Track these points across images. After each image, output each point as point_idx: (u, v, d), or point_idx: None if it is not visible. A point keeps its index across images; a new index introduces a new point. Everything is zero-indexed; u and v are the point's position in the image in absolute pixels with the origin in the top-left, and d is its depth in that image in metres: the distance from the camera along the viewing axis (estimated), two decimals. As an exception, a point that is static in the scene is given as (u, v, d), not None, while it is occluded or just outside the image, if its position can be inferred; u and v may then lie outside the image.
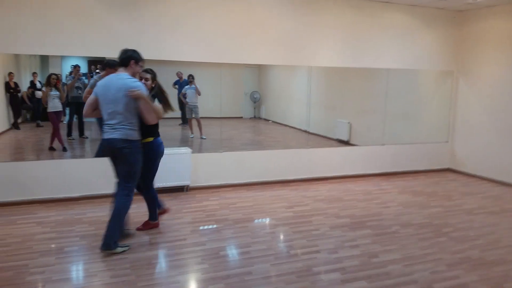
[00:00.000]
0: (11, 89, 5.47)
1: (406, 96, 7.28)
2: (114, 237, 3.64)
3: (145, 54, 5.28)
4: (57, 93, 5.56)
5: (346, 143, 7.08)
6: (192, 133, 6.59)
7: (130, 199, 3.71)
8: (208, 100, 6.38)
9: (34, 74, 5.70)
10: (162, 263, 3.53)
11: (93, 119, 6.13)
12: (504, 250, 3.96)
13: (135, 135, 3.64)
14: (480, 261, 3.69)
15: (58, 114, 5.64)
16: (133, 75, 3.70)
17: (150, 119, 3.65)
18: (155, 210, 4.26)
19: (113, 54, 5.26)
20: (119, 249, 3.67)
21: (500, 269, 3.55)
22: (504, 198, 5.75)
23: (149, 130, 3.88)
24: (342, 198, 5.55)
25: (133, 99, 3.54)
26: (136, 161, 3.67)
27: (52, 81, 5.51)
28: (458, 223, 4.69)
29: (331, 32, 6.27)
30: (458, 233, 4.37)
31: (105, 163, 5.30)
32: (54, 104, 5.57)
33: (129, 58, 3.66)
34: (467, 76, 7.05)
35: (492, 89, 6.63)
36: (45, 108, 5.62)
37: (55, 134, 5.62)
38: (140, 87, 3.58)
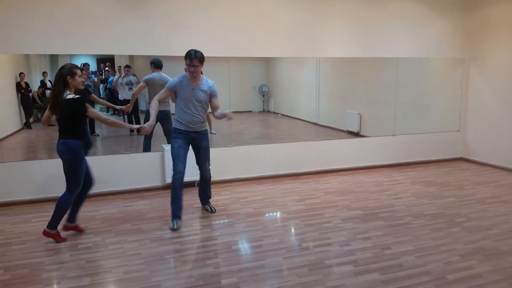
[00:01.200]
0: (22, 89, 5.54)
1: (416, 85, 7.20)
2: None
3: (153, 51, 5.37)
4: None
5: (356, 134, 7.04)
6: (201, 128, 6.60)
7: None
8: (217, 94, 6.38)
9: (44, 73, 5.75)
10: (175, 258, 3.57)
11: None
12: (518, 239, 3.92)
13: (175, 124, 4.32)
14: (493, 251, 3.66)
15: None
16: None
17: None
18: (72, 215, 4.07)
19: (122, 51, 5.32)
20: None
21: (515, 258, 3.52)
22: (518, 187, 5.68)
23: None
24: (353, 190, 5.53)
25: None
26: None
27: None
28: (471, 213, 4.65)
29: (340, 23, 6.21)
30: (471, 223, 4.33)
31: (117, 160, 5.37)
32: None
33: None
34: (479, 63, 6.94)
35: (504, 76, 6.52)
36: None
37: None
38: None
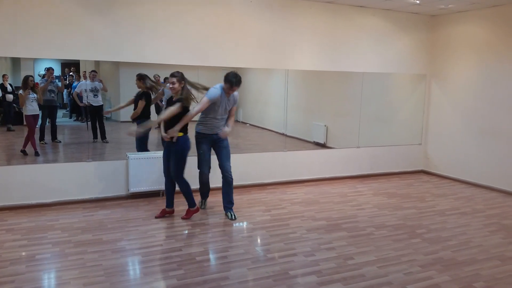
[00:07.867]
0: (-20, 93, 5.32)
1: (380, 99, 7.41)
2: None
3: (124, 57, 5.28)
4: (35, 95, 5.40)
5: (322, 145, 7.15)
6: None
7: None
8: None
9: (4, 76, 5.54)
10: (137, 270, 3.48)
11: (71, 123, 6.05)
12: (474, 250, 4.07)
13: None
14: (452, 262, 3.78)
15: (35, 118, 5.49)
16: None
17: None
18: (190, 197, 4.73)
19: (90, 56, 5.20)
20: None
21: (471, 268, 3.65)
22: (475, 199, 5.91)
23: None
24: (318, 201, 5.60)
25: None
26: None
27: (30, 83, 5.34)
28: (431, 224, 4.80)
29: (308, 36, 6.32)
30: (431, 234, 4.46)
31: (78, 168, 5.21)
32: (33, 107, 5.41)
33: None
34: (440, 80, 7.23)
35: (463, 92, 6.82)
36: (17, 112, 5.48)
37: (30, 137, 5.47)
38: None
